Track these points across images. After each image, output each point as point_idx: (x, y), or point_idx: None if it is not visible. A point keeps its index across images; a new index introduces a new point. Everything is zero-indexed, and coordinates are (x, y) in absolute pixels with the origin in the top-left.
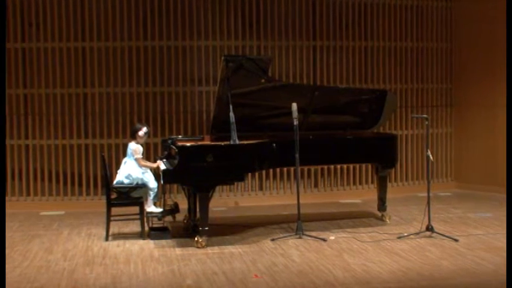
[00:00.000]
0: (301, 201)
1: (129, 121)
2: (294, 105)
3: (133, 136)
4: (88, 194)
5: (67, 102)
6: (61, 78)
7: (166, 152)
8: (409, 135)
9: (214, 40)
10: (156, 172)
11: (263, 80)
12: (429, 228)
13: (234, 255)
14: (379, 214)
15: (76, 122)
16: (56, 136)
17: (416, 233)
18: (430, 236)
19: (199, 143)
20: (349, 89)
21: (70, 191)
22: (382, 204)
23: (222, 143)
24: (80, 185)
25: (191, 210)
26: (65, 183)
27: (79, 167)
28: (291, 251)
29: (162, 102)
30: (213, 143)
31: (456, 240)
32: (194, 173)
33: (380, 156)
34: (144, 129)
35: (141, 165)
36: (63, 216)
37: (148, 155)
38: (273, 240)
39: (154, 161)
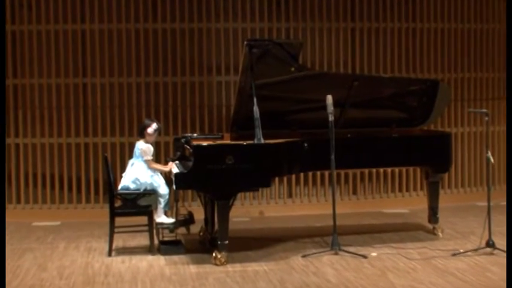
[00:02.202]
0: (337, 210)
1: (137, 116)
2: (329, 98)
3: (142, 134)
4: (88, 201)
5: (63, 95)
6: (56, 66)
7: (179, 153)
8: (466, 134)
9: (235, 22)
10: (167, 176)
11: (293, 69)
12: (490, 244)
13: (258, 273)
14: (430, 226)
15: (74, 117)
16: (50, 134)
17: (475, 250)
18: (490, 253)
19: (218, 142)
20: (395, 79)
21: (67, 198)
22: (433, 214)
23: (245, 143)
24: (79, 190)
25: (208, 220)
26: (61, 188)
27: (78, 170)
28: (326, 270)
29: (175, 95)
30: (233, 142)
31: None
32: (212, 178)
33: (431, 159)
34: (154, 125)
35: (150, 168)
36: (59, 228)
37: (159, 156)
38: (304, 256)
39: (166, 163)
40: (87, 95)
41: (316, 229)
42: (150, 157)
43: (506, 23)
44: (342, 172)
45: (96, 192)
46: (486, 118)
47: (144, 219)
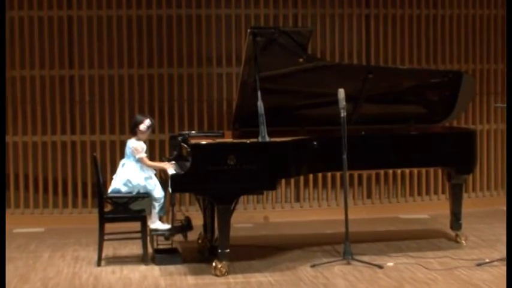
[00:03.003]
0: (350, 216)
1: (129, 112)
2: (341, 92)
3: (134, 131)
4: (75, 205)
5: (48, 88)
6: (40, 56)
7: (175, 152)
8: (492, 131)
9: (237, 8)
10: (162, 178)
11: (301, 60)
12: None
13: (262, 285)
14: (453, 234)
15: (60, 112)
16: (33, 131)
17: (502, 259)
18: None
19: (219, 140)
20: (413, 71)
21: (52, 202)
22: (456, 220)
23: (248, 141)
24: (65, 194)
25: (208, 227)
26: (46, 191)
27: (64, 171)
28: (337, 281)
29: (171, 88)
30: (236, 141)
31: None
32: (212, 179)
33: (454, 158)
34: (147, 122)
35: (145, 166)
36: (43, 235)
37: (153, 156)
38: (313, 266)
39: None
40: (74, 88)
41: (326, 236)
42: (143, 154)
43: (507, 23)
44: (355, 173)
45: (84, 196)
46: None
47: (136, 226)
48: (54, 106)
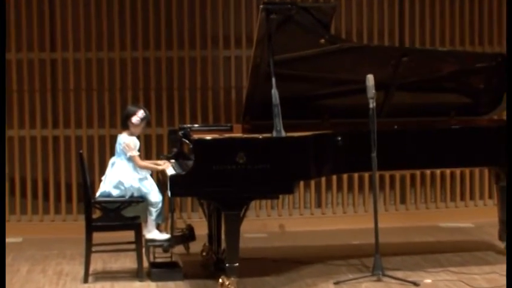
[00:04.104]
0: (380, 224)
1: (121, 102)
2: (370, 79)
3: (125, 124)
4: (58, 211)
5: (26, 74)
6: (17, 37)
7: (175, 149)
8: None
9: None
10: (160, 179)
11: (323, 40)
12: None
13: None
14: (501, 245)
15: (40, 102)
16: (9, 125)
17: None
18: None
19: (226, 135)
20: (455, 54)
21: (31, 208)
22: (505, 230)
23: (260, 136)
24: (46, 198)
25: (213, 237)
26: (23, 195)
27: (44, 171)
28: None
29: (170, 74)
30: (246, 136)
31: None
32: (218, 181)
33: (502, 157)
34: (140, 113)
35: (138, 167)
36: (21, 246)
37: (149, 153)
38: (337, 283)
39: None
40: (56, 74)
41: (352, 248)
42: (135, 152)
43: (507, 23)
44: (387, 174)
45: (68, 200)
46: None
47: (130, 235)
48: (33, 95)
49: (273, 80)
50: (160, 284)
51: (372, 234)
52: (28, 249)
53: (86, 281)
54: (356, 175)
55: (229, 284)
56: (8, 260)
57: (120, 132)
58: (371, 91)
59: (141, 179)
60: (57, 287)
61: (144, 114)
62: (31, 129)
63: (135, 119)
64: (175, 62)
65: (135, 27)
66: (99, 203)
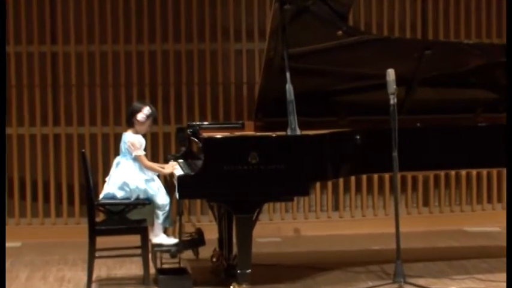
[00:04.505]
0: (402, 228)
1: (125, 98)
2: (391, 73)
3: (130, 122)
4: (59, 214)
5: (25, 67)
6: (16, 29)
7: (184, 149)
8: None
9: None
10: (167, 180)
11: (340, 32)
12: None
13: None
14: None
15: (40, 98)
16: (8, 122)
17: None
18: None
19: (237, 133)
20: (482, 47)
21: (30, 210)
22: None
23: (274, 134)
24: (47, 200)
25: (224, 241)
26: (23, 197)
27: (45, 172)
28: None
29: (178, 68)
30: (259, 134)
31: None
32: (229, 182)
33: None
34: (146, 110)
35: (144, 167)
36: (20, 250)
37: (155, 153)
38: None
39: (166, 163)
40: (57, 68)
41: (372, 254)
42: (141, 152)
43: (507, 23)
44: (409, 175)
45: (70, 202)
46: None
47: (136, 240)
48: (32, 90)
49: (288, 74)
50: None
51: (393, 239)
52: (27, 255)
53: (89, 287)
54: (376, 176)
55: None
56: (7, 265)
57: (125, 130)
58: (392, 86)
59: (147, 180)
60: None
61: (150, 111)
62: (30, 126)
63: (140, 116)
64: (183, 55)
65: (140, 19)
66: (103, 205)
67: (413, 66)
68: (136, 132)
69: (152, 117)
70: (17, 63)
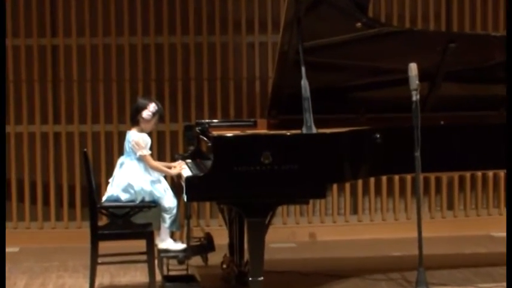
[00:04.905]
0: (425, 233)
1: (130, 94)
2: (413, 68)
3: (135, 120)
4: (59, 218)
5: (23, 62)
6: (14, 20)
7: (192, 148)
8: None
9: None
10: (175, 181)
11: (359, 24)
12: None
13: None
14: None
15: (40, 94)
16: (6, 120)
17: None
18: None
19: (249, 132)
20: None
21: (29, 214)
22: None
23: (288, 133)
24: (46, 202)
25: (235, 247)
26: (21, 199)
27: (44, 172)
28: None
29: (186, 62)
30: (272, 133)
31: None
32: (240, 184)
33: None
34: (152, 107)
35: (149, 168)
36: (18, 256)
37: (162, 152)
38: None
39: (173, 162)
40: (58, 62)
41: (393, 260)
42: (146, 151)
43: (507, 23)
44: (432, 176)
45: (71, 205)
46: None
47: (141, 245)
48: (31, 86)
49: (303, 69)
50: None
51: (415, 245)
52: (26, 261)
53: None
54: (397, 177)
55: None
56: None
57: (130, 129)
58: (414, 82)
59: (153, 182)
60: None
61: (157, 108)
62: (29, 124)
63: (146, 114)
64: (192, 48)
65: (146, 9)
66: (106, 208)
67: (437, 60)
68: (142, 131)
69: (158, 115)
70: (15, 57)
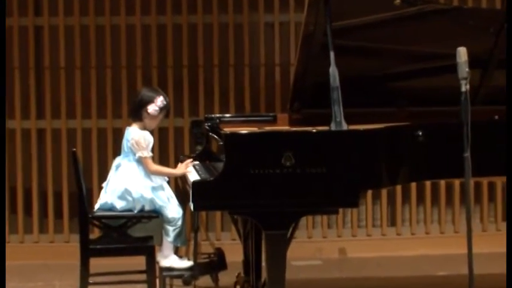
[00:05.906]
0: (476, 249)
1: (127, 85)
2: (463, 53)
3: (138, 115)
4: (44, 230)
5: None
6: None
7: (200, 148)
8: None
9: None
10: (180, 187)
11: (398, 1)
12: None
13: None
14: None
15: (21, 84)
16: None
17: None
18: None
19: (268, 128)
20: None
21: (10, 225)
22: None
23: (314, 130)
24: (28, 212)
25: (250, 265)
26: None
27: (26, 176)
28: None
29: (193, 46)
30: (295, 130)
31: None
32: (256, 190)
33: None
34: (160, 101)
35: (150, 173)
36: None
37: (164, 152)
38: None
39: (178, 164)
40: (42, 46)
41: (438, 281)
42: (147, 153)
43: (507, 22)
44: (484, 182)
45: (58, 215)
46: None
47: (140, 262)
48: (11, 74)
49: (332, 54)
50: None
51: (464, 262)
52: (10, 279)
53: None
54: (443, 182)
55: None
56: None
57: (129, 124)
58: (463, 69)
59: (154, 188)
60: None
61: (165, 102)
62: (9, 119)
63: (152, 109)
64: (200, 30)
65: None
66: (99, 218)
67: (491, 44)
68: (144, 128)
69: (165, 111)
70: None
